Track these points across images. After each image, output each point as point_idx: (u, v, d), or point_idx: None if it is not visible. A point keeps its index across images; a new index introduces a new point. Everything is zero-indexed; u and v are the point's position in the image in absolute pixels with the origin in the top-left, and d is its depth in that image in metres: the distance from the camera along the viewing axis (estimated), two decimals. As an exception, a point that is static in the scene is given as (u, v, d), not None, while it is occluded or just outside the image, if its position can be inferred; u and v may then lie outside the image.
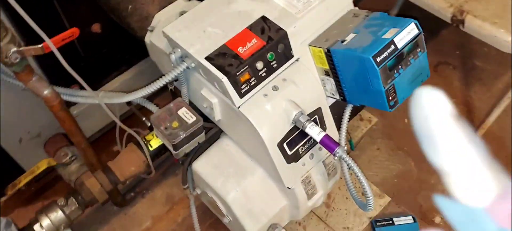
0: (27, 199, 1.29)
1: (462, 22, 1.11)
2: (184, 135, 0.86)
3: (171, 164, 1.26)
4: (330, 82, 0.86)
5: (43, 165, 1.12)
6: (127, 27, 1.06)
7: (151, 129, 1.10)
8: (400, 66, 0.77)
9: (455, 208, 0.23)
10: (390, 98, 0.78)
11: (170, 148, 0.89)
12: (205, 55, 0.80)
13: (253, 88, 0.81)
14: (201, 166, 0.96)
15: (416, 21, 0.76)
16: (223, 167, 0.95)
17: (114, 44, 1.25)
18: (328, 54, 0.81)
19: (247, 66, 0.79)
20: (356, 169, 0.78)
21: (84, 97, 0.97)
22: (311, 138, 0.86)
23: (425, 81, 0.84)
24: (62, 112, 0.88)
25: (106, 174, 0.99)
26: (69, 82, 1.07)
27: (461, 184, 0.23)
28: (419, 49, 0.78)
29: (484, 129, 1.38)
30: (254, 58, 0.79)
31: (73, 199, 0.96)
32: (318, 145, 0.89)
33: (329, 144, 0.78)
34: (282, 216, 1.00)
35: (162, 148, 1.05)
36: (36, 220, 0.92)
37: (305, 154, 0.87)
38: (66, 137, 1.27)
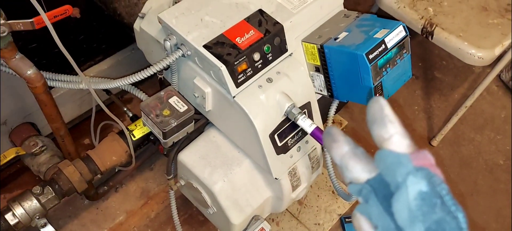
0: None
1: (432, 33, 1.20)
2: (175, 123, 0.85)
3: (147, 158, 1.24)
4: (320, 78, 0.90)
5: (10, 154, 1.05)
6: (113, 12, 1.03)
7: (132, 119, 1.07)
8: (388, 65, 0.82)
9: (388, 155, 0.32)
10: (377, 95, 0.84)
11: (159, 137, 0.88)
12: (203, 44, 0.81)
13: (249, 78, 0.82)
14: (188, 156, 0.95)
15: (404, 24, 0.82)
16: (210, 157, 0.95)
17: (92, 32, 1.21)
18: (321, 51, 0.85)
19: (245, 57, 0.80)
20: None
21: (66, 82, 0.93)
22: (300, 130, 0.89)
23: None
24: (45, 95, 0.84)
25: (86, 162, 0.95)
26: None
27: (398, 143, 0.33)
28: (405, 50, 0.84)
29: (442, 134, 1.50)
30: (252, 49, 0.81)
31: (49, 188, 0.91)
32: (305, 138, 0.92)
33: (320, 135, 0.82)
34: (265, 208, 1.02)
35: (145, 139, 1.03)
36: (8, 209, 0.86)
37: (294, 146, 0.90)
38: (33, 127, 1.20)
